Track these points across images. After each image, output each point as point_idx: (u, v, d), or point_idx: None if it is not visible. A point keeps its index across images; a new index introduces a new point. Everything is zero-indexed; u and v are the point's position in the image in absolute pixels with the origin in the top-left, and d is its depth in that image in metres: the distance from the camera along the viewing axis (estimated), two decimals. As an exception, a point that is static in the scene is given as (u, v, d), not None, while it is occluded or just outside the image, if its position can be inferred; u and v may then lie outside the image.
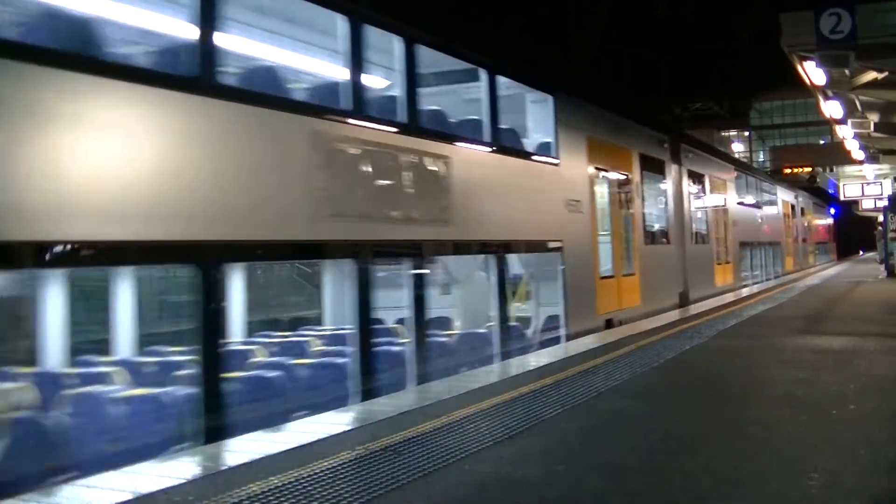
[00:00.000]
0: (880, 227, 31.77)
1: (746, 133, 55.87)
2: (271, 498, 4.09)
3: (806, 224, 38.58)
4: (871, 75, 13.74)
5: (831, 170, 45.69)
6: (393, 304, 9.20)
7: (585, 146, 12.81)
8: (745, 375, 7.88)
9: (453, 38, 9.94)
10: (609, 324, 12.88)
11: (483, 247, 10.02)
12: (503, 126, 10.60)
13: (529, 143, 11.89)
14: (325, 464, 4.69)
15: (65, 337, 8.18)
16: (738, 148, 54.28)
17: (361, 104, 7.78)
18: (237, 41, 7.78)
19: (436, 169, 8.85)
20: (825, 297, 17.77)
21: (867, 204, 42.05)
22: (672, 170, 17.67)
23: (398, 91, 8.66)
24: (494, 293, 10.06)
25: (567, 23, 28.78)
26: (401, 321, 9.29)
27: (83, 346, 8.70)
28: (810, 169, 47.68)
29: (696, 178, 19.62)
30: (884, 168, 32.85)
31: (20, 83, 4.87)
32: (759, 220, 27.41)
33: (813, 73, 13.24)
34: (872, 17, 11.85)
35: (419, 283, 8.41)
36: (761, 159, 55.86)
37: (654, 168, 16.46)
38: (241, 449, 5.18)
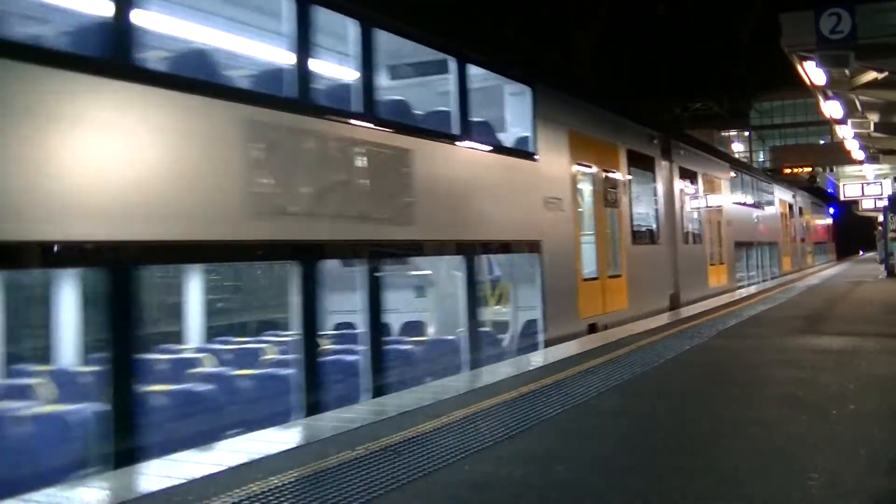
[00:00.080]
0: (880, 227, 31.76)
1: (746, 133, 55.89)
2: (271, 498, 4.10)
3: (804, 224, 38.38)
4: (871, 75, 13.75)
5: (831, 170, 45.74)
6: (353, 309, 8.76)
7: (567, 141, 12.18)
8: (746, 375, 7.87)
9: (418, 23, 9.23)
10: (593, 328, 12.30)
11: (451, 247, 9.44)
12: (476, 119, 10.03)
13: (506, 138, 11.34)
14: (326, 464, 4.70)
15: None
16: (738, 148, 54.30)
17: (308, 92, 7.13)
18: (158, 19, 7.03)
19: (396, 163, 8.24)
20: (825, 298, 17.76)
21: (867, 204, 42.07)
22: (662, 167, 17.04)
23: (353, 79, 8.04)
24: (463, 297, 9.43)
25: (567, 23, 28.79)
26: (353, 328, 8.73)
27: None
28: (810, 169, 47.72)
29: (689, 175, 19.04)
30: (884, 168, 32.88)
31: None
32: (756, 220, 26.85)
33: (813, 73, 13.25)
34: (872, 17, 11.86)
35: (375, 287, 7.74)
36: (761, 159, 55.88)
37: (642, 165, 15.84)
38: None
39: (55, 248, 5.06)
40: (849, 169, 39.34)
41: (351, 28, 7.91)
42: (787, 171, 46.97)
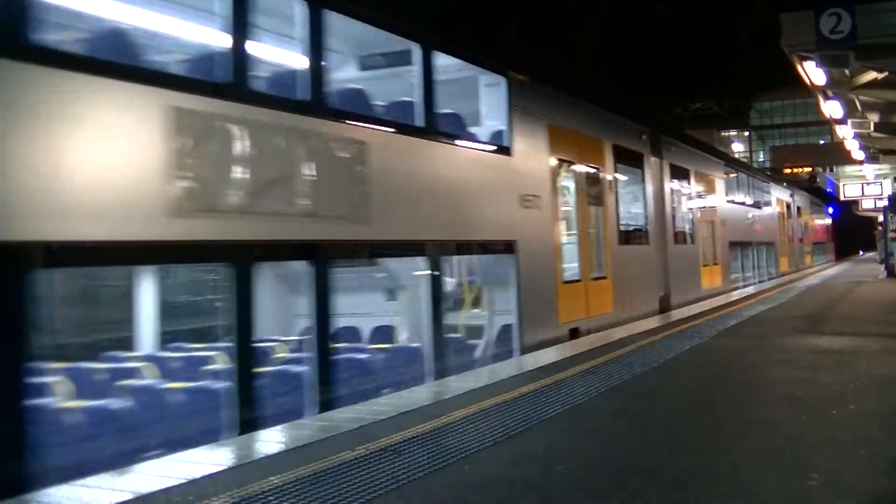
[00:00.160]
0: (880, 227, 31.76)
1: (746, 133, 55.91)
2: (271, 498, 4.10)
3: (803, 224, 38.21)
4: (871, 75, 13.74)
5: (831, 170, 45.76)
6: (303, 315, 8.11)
7: (546, 135, 11.48)
8: (745, 375, 7.88)
9: (378, 6, 8.56)
10: (575, 333, 11.63)
11: (410, 248, 8.73)
12: (445, 111, 9.43)
13: (480, 131, 10.68)
14: (326, 463, 4.70)
15: None
16: (738, 148, 54.37)
17: (245, 77, 6.49)
18: None
19: (348, 156, 7.57)
20: (825, 298, 17.76)
21: (867, 204, 42.09)
22: (652, 164, 16.33)
23: (299, 64, 7.37)
24: (427, 302, 8.74)
25: (567, 23, 28.79)
26: (298, 336, 8.16)
27: None
28: (810, 169, 47.75)
29: (681, 173, 18.37)
30: (884, 168, 32.87)
31: None
32: (752, 219, 26.26)
33: (813, 73, 13.25)
34: (872, 17, 11.85)
35: (324, 290, 7.08)
36: (761, 159, 55.91)
37: (630, 161, 15.18)
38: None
39: None
40: (849, 169, 39.33)
41: (297, 8, 7.27)
42: (787, 171, 46.99)
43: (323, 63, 7.33)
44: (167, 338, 9.00)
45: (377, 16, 8.53)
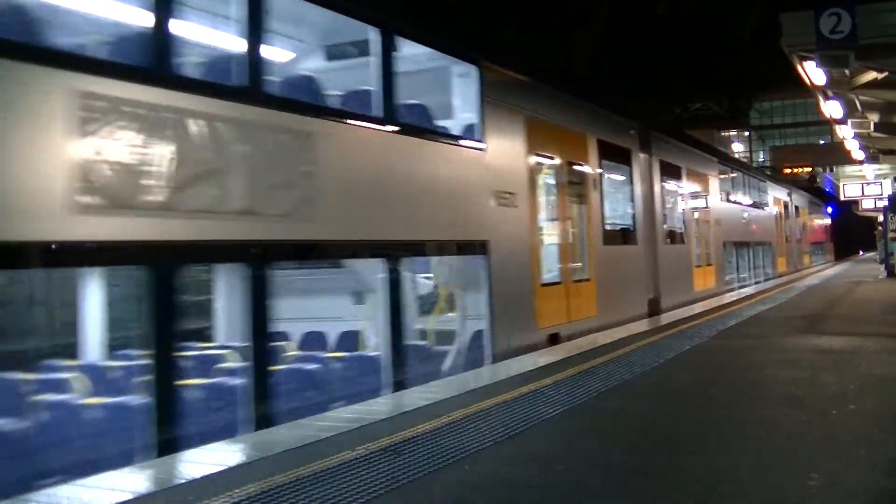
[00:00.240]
0: (880, 227, 31.75)
1: (746, 133, 55.89)
2: (271, 498, 4.10)
3: (801, 223, 38.03)
4: (871, 75, 13.74)
5: (831, 170, 45.75)
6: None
7: (524, 129, 10.79)
8: (746, 375, 7.88)
9: None
10: (554, 339, 10.96)
11: (365, 248, 7.99)
12: (409, 101, 8.79)
13: (450, 124, 9.96)
14: (326, 463, 4.70)
15: None
16: (738, 148, 54.35)
17: (167, 59, 5.83)
18: None
19: (294, 149, 6.92)
20: (825, 298, 17.76)
21: (867, 204, 42.10)
22: (641, 160, 15.60)
23: (236, 47, 6.70)
24: (386, 307, 7.99)
25: (567, 23, 28.77)
26: (231, 346, 7.58)
27: None
28: (810, 169, 47.74)
29: (672, 170, 17.66)
30: (884, 168, 32.88)
31: None
32: (748, 219, 25.58)
33: (813, 73, 13.24)
34: (872, 17, 11.84)
35: (260, 297, 6.37)
36: (761, 159, 55.91)
37: (617, 157, 14.45)
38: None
39: None
40: (849, 169, 39.33)
41: None
42: (787, 170, 46.98)
43: (263, 46, 6.65)
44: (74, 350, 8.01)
45: None
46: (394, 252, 8.14)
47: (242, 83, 6.49)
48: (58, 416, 6.21)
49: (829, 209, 50.50)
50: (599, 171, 13.31)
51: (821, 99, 16.37)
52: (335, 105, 8.36)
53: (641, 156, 15.75)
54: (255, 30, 6.57)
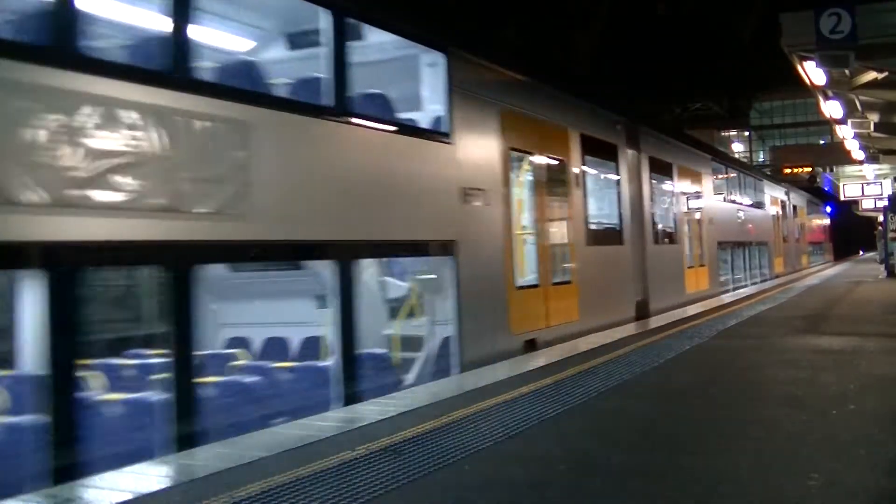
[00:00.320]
0: (880, 227, 31.74)
1: (746, 133, 55.90)
2: (271, 498, 4.10)
3: (799, 223, 37.83)
4: (871, 75, 13.75)
5: (831, 170, 45.76)
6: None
7: (498, 122, 10.14)
8: (746, 375, 7.88)
9: None
10: (531, 345, 10.33)
11: (309, 249, 7.32)
12: (366, 90, 8.23)
13: (415, 115, 9.38)
14: (326, 463, 4.70)
15: None
16: (738, 148, 54.37)
17: (70, 38, 5.20)
18: None
19: (225, 140, 6.24)
20: (825, 298, 17.76)
21: (867, 204, 42.13)
22: (628, 156, 14.86)
23: (158, 27, 6.15)
24: (337, 314, 7.32)
25: (567, 23, 28.77)
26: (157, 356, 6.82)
27: None
28: (810, 169, 47.73)
29: (662, 167, 16.97)
30: (884, 168, 32.89)
31: None
32: (743, 218, 24.88)
33: (813, 73, 13.24)
34: (872, 17, 11.84)
35: (183, 303, 5.73)
36: (761, 159, 55.91)
37: (602, 153, 13.74)
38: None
39: None
40: (849, 169, 39.32)
41: None
42: (787, 170, 46.97)
43: (189, 27, 6.04)
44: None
45: None
46: (342, 253, 7.44)
47: (164, 67, 5.90)
48: None
49: (829, 209, 50.50)
50: (582, 167, 12.66)
51: (821, 99, 16.37)
52: (280, 94, 7.78)
53: (629, 152, 15.04)
54: (181, 8, 5.98)
